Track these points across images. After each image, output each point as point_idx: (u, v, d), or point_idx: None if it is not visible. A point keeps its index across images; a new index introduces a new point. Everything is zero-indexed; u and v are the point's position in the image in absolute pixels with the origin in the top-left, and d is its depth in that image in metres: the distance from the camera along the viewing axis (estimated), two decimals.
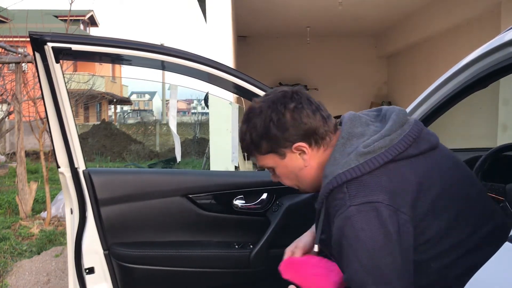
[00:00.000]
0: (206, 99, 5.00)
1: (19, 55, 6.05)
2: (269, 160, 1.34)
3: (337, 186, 1.21)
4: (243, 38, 8.84)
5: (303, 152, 1.31)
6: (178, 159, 2.06)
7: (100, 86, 19.70)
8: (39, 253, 4.29)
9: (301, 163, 1.33)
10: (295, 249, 1.49)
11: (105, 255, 1.83)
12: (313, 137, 1.31)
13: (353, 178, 1.19)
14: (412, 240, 1.18)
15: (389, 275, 1.13)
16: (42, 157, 5.67)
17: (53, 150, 1.80)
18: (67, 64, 7.51)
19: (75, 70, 11.00)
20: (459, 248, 1.22)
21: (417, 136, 1.27)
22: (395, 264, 1.14)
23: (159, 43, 2.32)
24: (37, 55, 1.64)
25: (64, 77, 1.69)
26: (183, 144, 13.96)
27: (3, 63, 6.67)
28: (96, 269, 1.82)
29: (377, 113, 1.40)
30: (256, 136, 1.31)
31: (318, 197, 1.31)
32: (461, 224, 1.24)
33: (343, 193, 1.19)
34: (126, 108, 38.16)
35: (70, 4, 6.04)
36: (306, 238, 1.52)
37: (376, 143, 1.23)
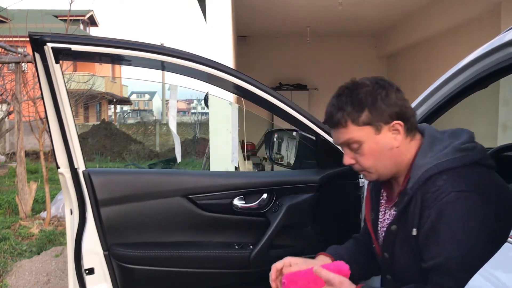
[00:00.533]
0: (206, 99, 4.99)
1: (19, 55, 6.05)
2: (363, 133, 1.33)
3: (438, 173, 1.26)
4: (243, 38, 8.83)
5: (398, 132, 1.34)
6: (178, 159, 2.06)
7: (100, 86, 19.69)
8: (39, 253, 4.30)
9: (392, 143, 1.34)
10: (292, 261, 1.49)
11: (105, 255, 1.83)
12: (409, 122, 1.35)
13: (452, 168, 1.27)
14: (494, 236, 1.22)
15: (475, 262, 1.13)
16: (42, 157, 5.67)
17: (53, 150, 1.80)
18: (67, 64, 7.50)
19: (75, 70, 10.99)
20: None
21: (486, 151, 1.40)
22: (482, 254, 1.16)
23: (159, 43, 2.32)
24: (37, 56, 1.63)
25: (64, 77, 1.69)
26: (183, 144, 13.95)
27: (3, 63, 6.67)
28: (96, 270, 1.82)
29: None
30: (359, 106, 1.32)
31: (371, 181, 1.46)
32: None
33: (444, 180, 1.25)
34: (126, 108, 38.17)
35: (70, 4, 6.04)
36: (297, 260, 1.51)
37: (468, 144, 1.33)
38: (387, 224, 1.45)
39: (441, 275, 1.22)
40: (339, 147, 1.46)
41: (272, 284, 1.46)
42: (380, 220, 1.51)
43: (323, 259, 1.54)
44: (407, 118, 1.35)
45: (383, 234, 1.45)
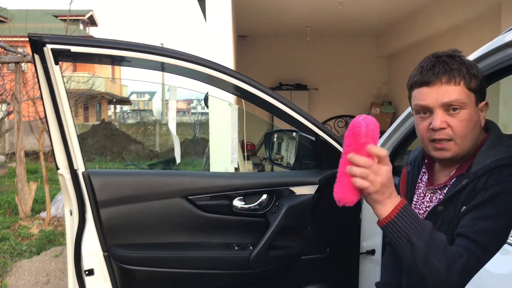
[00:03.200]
0: (206, 100, 4.99)
1: (19, 55, 6.05)
2: (469, 98, 1.31)
3: (506, 165, 1.26)
4: (243, 38, 8.83)
5: (483, 114, 1.36)
6: (178, 160, 2.06)
7: (100, 86, 19.69)
8: (38, 253, 4.30)
9: (478, 120, 1.34)
10: None
11: (104, 256, 1.83)
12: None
13: None
14: None
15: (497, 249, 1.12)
16: (42, 157, 5.67)
17: (52, 151, 1.79)
18: (67, 64, 7.50)
19: (74, 70, 10.99)
20: None
21: None
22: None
23: (159, 43, 2.32)
24: (36, 57, 1.63)
25: (63, 78, 1.69)
26: (183, 144, 13.97)
27: (2, 63, 6.67)
28: (95, 271, 1.82)
29: None
30: (476, 71, 1.32)
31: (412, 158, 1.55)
32: None
33: (510, 171, 1.25)
34: (125, 108, 38.15)
35: (70, 4, 6.05)
36: None
37: None
38: (427, 207, 1.44)
39: (467, 240, 1.21)
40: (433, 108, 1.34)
41: None
42: (415, 202, 1.50)
43: None
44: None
45: (422, 215, 1.43)
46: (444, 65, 1.30)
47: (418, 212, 1.46)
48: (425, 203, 1.46)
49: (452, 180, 1.37)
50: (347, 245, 2.05)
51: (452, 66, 1.30)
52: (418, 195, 1.50)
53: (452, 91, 1.29)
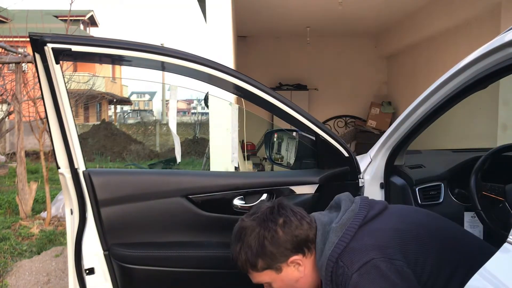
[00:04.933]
0: (206, 99, 5.00)
1: (19, 55, 6.05)
2: (266, 276, 1.39)
3: (333, 264, 1.29)
4: (243, 38, 8.83)
5: (298, 264, 1.39)
6: (178, 160, 2.06)
7: (100, 86, 19.68)
8: (39, 253, 4.30)
9: (297, 275, 1.39)
10: None
11: (105, 255, 1.83)
12: (305, 246, 1.39)
13: (342, 251, 1.29)
14: (416, 281, 1.24)
15: None
16: (42, 157, 5.67)
17: (53, 150, 1.80)
18: (67, 64, 7.50)
19: (75, 70, 11.00)
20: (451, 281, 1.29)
21: (369, 203, 1.44)
22: None
23: (159, 43, 2.32)
24: (37, 56, 1.63)
25: (64, 78, 1.69)
26: (183, 144, 13.96)
27: (3, 63, 6.67)
28: (96, 270, 1.82)
29: (329, 207, 1.56)
30: (252, 255, 1.37)
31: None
32: (444, 261, 1.32)
33: (342, 267, 1.27)
34: (126, 108, 38.14)
35: (70, 4, 6.04)
36: None
37: (344, 217, 1.37)
38: None
39: None
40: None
41: None
42: None
43: None
44: (301, 246, 1.38)
45: None
46: (233, 255, 1.43)
47: None
48: None
49: None
50: None
51: (235, 260, 1.42)
52: None
53: (251, 276, 1.44)
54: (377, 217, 1.38)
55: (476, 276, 1.06)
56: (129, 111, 37.93)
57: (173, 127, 1.96)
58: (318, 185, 1.96)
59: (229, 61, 4.39)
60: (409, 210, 1.65)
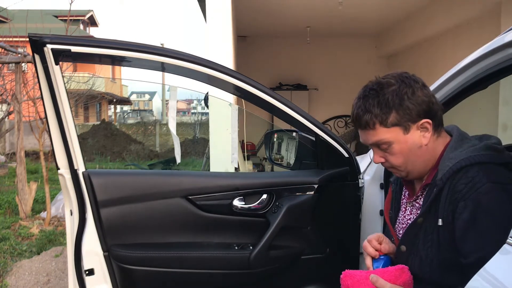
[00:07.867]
0: (206, 100, 4.99)
1: (19, 55, 6.05)
2: (391, 134, 1.33)
3: (469, 165, 1.26)
4: (243, 38, 8.83)
5: (426, 130, 1.34)
6: (178, 160, 2.06)
7: (100, 86, 19.68)
8: (39, 253, 4.30)
9: (421, 141, 1.34)
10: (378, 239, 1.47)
11: (105, 256, 1.83)
12: (436, 119, 1.35)
13: (483, 162, 1.27)
14: None
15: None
16: (42, 157, 5.67)
17: (53, 151, 1.79)
18: (67, 64, 7.51)
19: (75, 70, 11.00)
20: None
21: None
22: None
23: (159, 43, 2.32)
24: (37, 57, 1.63)
25: (63, 78, 1.69)
26: (183, 144, 13.96)
27: (3, 63, 6.67)
28: (96, 271, 1.82)
29: None
30: (387, 107, 1.31)
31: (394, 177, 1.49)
32: None
33: (477, 172, 1.25)
34: (126, 108, 38.16)
35: (70, 4, 6.04)
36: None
37: (499, 146, 1.35)
38: (408, 220, 1.46)
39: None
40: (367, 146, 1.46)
41: (368, 249, 1.45)
42: (400, 217, 1.52)
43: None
44: (434, 114, 1.34)
45: (404, 228, 1.46)
46: (358, 111, 1.35)
47: (402, 226, 1.49)
48: (406, 217, 1.49)
49: (424, 191, 1.39)
50: (347, 245, 2.05)
51: (361, 115, 1.34)
52: (401, 211, 1.53)
53: (370, 135, 1.36)
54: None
55: (476, 277, 1.06)
56: (129, 111, 37.94)
57: (172, 127, 1.96)
58: (318, 185, 1.95)
59: (229, 61, 4.39)
60: None
